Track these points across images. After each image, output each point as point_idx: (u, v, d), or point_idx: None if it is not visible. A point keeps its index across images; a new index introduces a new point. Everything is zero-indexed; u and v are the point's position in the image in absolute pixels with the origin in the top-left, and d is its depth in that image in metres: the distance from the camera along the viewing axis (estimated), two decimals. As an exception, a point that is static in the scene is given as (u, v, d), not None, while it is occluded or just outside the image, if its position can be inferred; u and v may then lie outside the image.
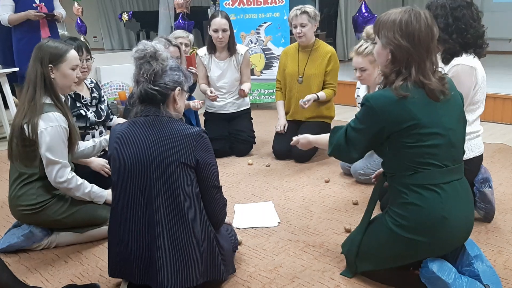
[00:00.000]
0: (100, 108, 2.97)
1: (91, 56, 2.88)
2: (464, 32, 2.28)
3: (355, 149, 1.85)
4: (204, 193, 1.83)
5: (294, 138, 2.46)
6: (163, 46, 3.27)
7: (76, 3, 7.77)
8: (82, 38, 7.13)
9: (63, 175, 2.20)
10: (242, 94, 3.82)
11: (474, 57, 2.32)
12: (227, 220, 2.05)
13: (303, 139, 2.39)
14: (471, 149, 2.39)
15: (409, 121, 1.70)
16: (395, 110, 1.71)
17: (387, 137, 1.76)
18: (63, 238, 2.39)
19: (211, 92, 3.71)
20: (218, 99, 3.82)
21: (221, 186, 1.91)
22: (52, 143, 2.15)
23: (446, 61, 2.33)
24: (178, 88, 1.82)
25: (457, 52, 2.30)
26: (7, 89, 4.44)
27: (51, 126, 2.14)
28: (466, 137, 2.36)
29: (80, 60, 2.71)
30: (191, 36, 4.08)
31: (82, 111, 2.84)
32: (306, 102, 3.48)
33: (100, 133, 2.99)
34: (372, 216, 1.98)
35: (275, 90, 3.94)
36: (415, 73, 1.72)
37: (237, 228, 2.52)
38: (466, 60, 2.30)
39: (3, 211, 2.88)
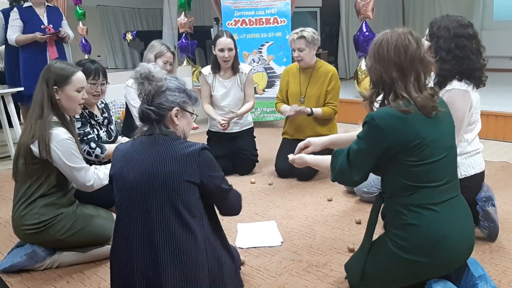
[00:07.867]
0: (110, 128, 2.99)
1: (107, 81, 2.85)
2: (461, 61, 2.29)
3: (358, 171, 1.81)
4: (219, 203, 1.91)
5: (290, 157, 2.31)
6: (162, 50, 3.35)
7: (81, 23, 7.88)
8: (86, 57, 7.21)
9: (90, 177, 2.30)
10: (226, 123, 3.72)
11: (468, 86, 2.31)
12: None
13: (299, 159, 2.25)
14: (472, 166, 2.39)
15: (415, 140, 1.70)
16: (402, 128, 1.70)
17: (392, 157, 1.74)
18: (66, 257, 2.38)
19: (222, 120, 3.70)
20: (221, 118, 3.82)
21: (231, 186, 1.94)
22: (67, 154, 2.21)
23: (440, 84, 2.32)
24: (176, 108, 1.83)
25: (451, 76, 2.30)
26: (12, 108, 4.47)
27: (60, 140, 2.19)
28: (467, 155, 2.37)
29: (95, 84, 2.74)
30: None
31: (96, 129, 2.85)
32: (296, 111, 3.53)
33: None
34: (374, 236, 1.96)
35: (276, 103, 3.92)
36: (396, 91, 1.74)
37: (239, 247, 2.51)
38: (459, 85, 2.30)
39: (6, 230, 2.88)
